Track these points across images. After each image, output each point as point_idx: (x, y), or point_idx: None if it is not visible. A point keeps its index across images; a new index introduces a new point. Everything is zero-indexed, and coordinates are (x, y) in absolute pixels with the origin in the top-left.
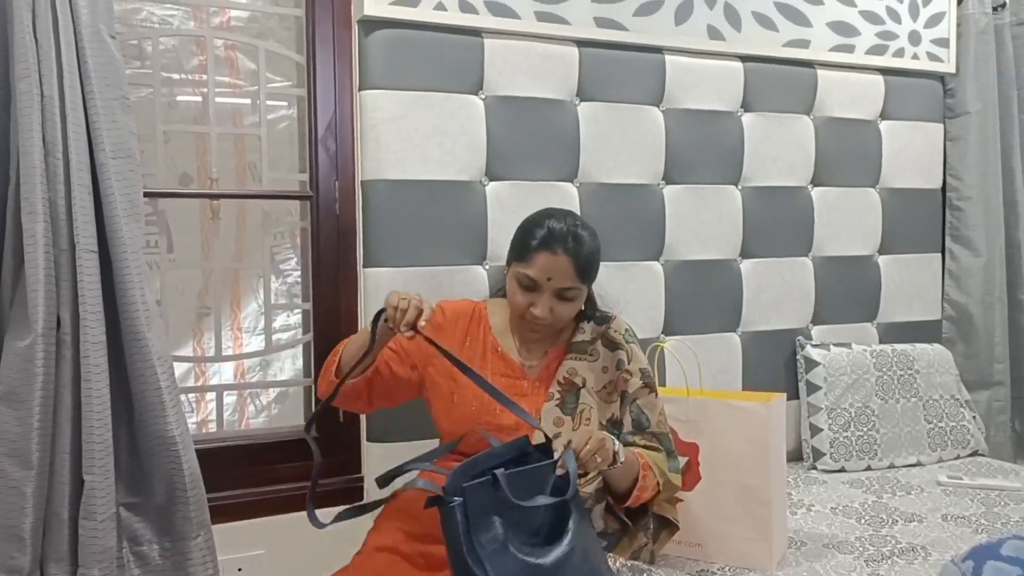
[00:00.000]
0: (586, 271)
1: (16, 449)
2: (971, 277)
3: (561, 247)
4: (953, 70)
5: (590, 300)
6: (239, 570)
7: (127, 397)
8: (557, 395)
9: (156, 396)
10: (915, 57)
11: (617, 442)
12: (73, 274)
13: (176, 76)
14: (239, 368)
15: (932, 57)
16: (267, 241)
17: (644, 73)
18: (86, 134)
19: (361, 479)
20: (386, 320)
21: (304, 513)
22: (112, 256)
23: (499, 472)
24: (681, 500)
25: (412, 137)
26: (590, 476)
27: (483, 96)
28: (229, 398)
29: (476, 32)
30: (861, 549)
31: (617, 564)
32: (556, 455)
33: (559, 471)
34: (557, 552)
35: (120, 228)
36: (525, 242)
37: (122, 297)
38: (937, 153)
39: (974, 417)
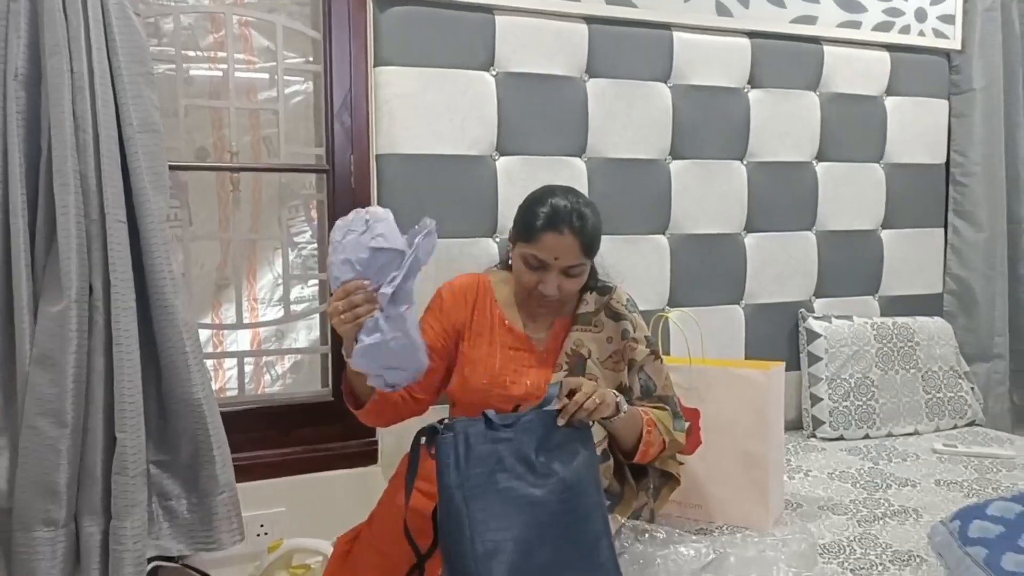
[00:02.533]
0: (591, 247)
1: (51, 409)
2: (973, 252)
3: (567, 226)
4: (959, 47)
5: (592, 271)
6: (261, 526)
7: (155, 361)
8: (565, 366)
9: (182, 360)
10: (921, 34)
11: (620, 395)
12: (104, 243)
13: (192, 53)
14: (255, 339)
15: (938, 34)
16: (284, 214)
17: (652, 49)
18: (114, 109)
19: (376, 442)
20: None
21: (322, 473)
22: (139, 227)
23: (490, 412)
24: (683, 463)
25: (425, 112)
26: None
27: (494, 72)
28: (245, 367)
29: (488, 9)
30: (855, 511)
31: (616, 524)
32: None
33: (560, 421)
34: (544, 501)
35: (147, 200)
36: (530, 223)
37: (149, 266)
38: (942, 129)
39: (972, 388)
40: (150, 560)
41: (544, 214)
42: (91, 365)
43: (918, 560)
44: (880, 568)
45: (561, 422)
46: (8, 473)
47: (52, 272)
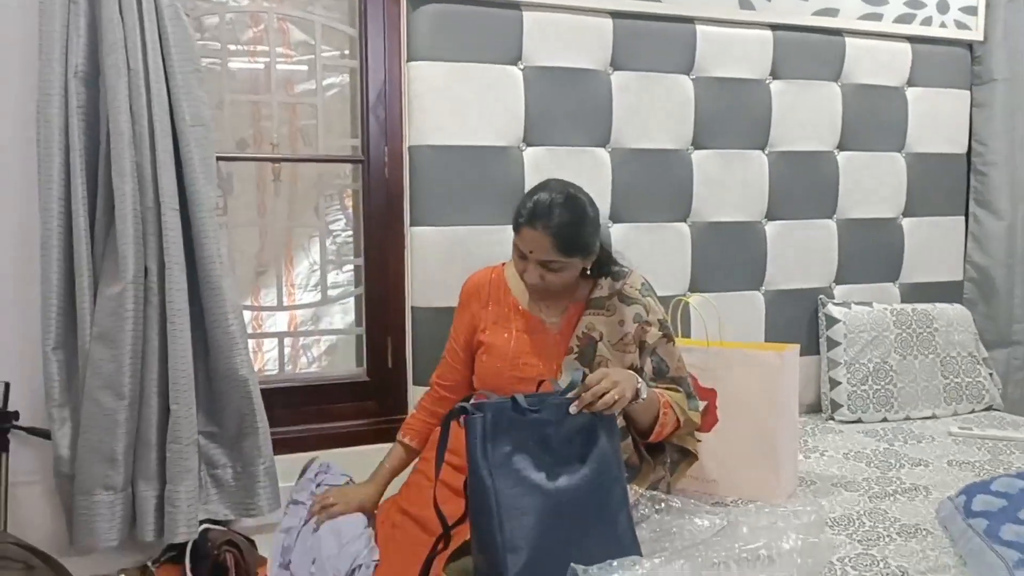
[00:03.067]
0: (568, 246)
1: (111, 382)
2: (993, 240)
3: (541, 223)
4: (981, 37)
5: (608, 257)
6: None
7: (204, 339)
8: (576, 348)
9: (229, 340)
10: (943, 25)
11: (640, 379)
12: (158, 229)
13: (232, 47)
14: (292, 323)
15: (960, 25)
16: (322, 203)
17: (675, 43)
18: (167, 104)
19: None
20: None
21: (357, 447)
22: (191, 214)
23: (518, 395)
24: (700, 440)
25: (455, 105)
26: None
27: (522, 66)
28: (284, 350)
29: (515, 5)
30: (867, 488)
31: (635, 495)
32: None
33: (573, 409)
34: (566, 480)
35: (198, 189)
36: (516, 213)
37: (200, 250)
38: (963, 119)
39: (991, 374)
40: (200, 523)
41: (527, 208)
42: (147, 342)
43: (924, 533)
44: (887, 539)
45: (574, 411)
46: (71, 442)
47: (111, 256)
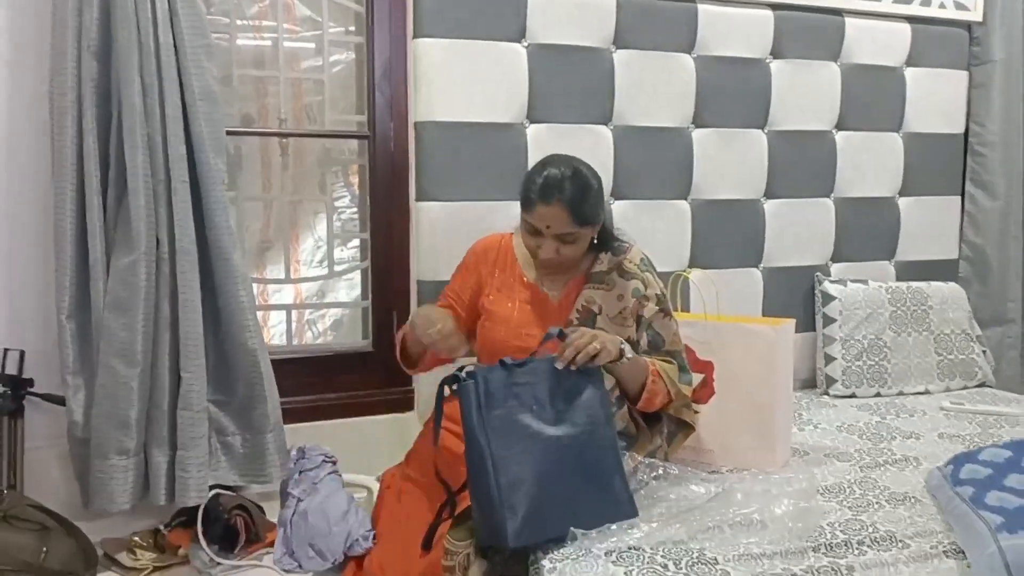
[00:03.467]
0: (583, 218)
1: (124, 350)
2: (988, 219)
3: (556, 197)
4: (980, 18)
5: (608, 233)
6: None
7: (214, 310)
8: (576, 321)
9: (239, 309)
10: (942, 6)
11: (626, 344)
12: (168, 201)
13: (238, 22)
14: (298, 297)
15: (959, 6)
16: (328, 178)
17: (678, 21)
18: (177, 78)
19: (412, 391)
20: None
21: (362, 417)
22: (200, 187)
23: (506, 358)
24: (698, 412)
25: (460, 82)
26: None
27: (526, 44)
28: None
29: None
30: (858, 458)
31: (633, 462)
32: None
33: (558, 364)
34: (559, 439)
35: (208, 162)
36: (526, 192)
37: (210, 222)
38: (961, 100)
39: (984, 351)
40: (211, 488)
41: (537, 185)
42: (158, 311)
43: (912, 500)
44: (876, 506)
45: (559, 365)
46: (85, 408)
47: (123, 227)
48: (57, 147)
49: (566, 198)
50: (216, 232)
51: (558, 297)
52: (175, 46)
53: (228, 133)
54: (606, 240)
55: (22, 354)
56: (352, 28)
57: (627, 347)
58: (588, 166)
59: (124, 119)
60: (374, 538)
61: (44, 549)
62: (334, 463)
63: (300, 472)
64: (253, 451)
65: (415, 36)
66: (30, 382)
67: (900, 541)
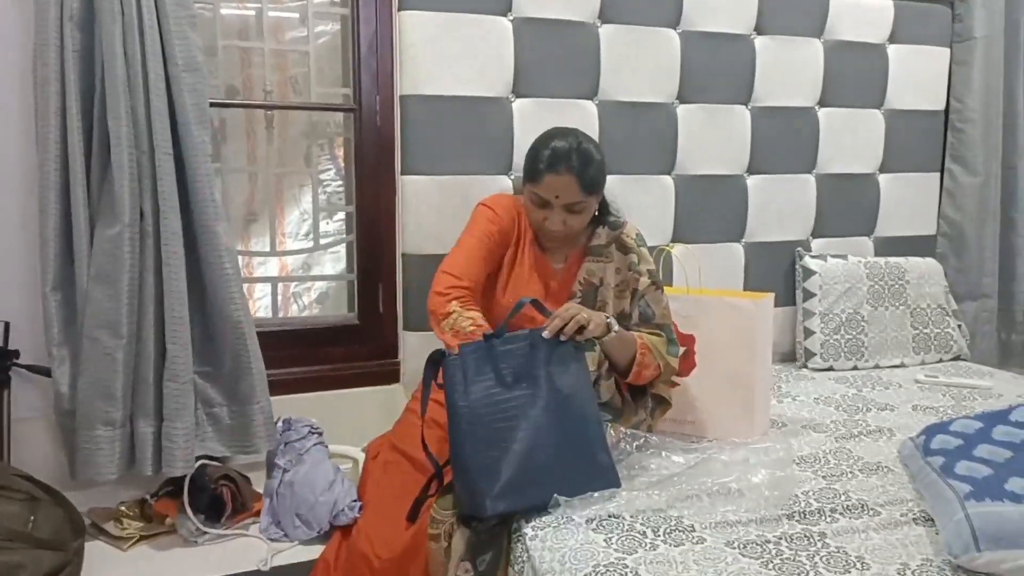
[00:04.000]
0: (591, 185)
1: (109, 322)
2: (967, 195)
3: (565, 167)
4: None
5: (604, 207)
6: None
7: (199, 282)
8: (579, 293)
9: (224, 282)
10: None
11: (612, 319)
12: (153, 173)
13: None
14: (283, 270)
15: None
16: (314, 151)
17: None
18: (160, 49)
19: (398, 363)
20: None
21: (349, 390)
22: (184, 159)
23: (489, 332)
24: (678, 384)
25: (446, 56)
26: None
27: (511, 18)
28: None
29: None
30: (834, 429)
31: (617, 435)
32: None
33: (545, 334)
34: (542, 408)
35: (192, 133)
36: (534, 164)
37: (194, 195)
38: (942, 76)
39: (959, 326)
40: (197, 459)
41: (545, 156)
42: (143, 283)
43: (885, 470)
44: (849, 476)
45: (547, 335)
46: (70, 379)
47: (107, 199)
48: (41, 118)
49: (575, 167)
50: (201, 204)
51: (561, 270)
52: (158, 16)
53: (213, 105)
54: (604, 213)
55: (7, 325)
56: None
57: (614, 322)
58: (590, 137)
59: (108, 90)
60: (360, 508)
61: (32, 518)
62: (320, 434)
63: (286, 443)
64: (239, 422)
65: (400, 8)
66: (16, 353)
67: (871, 509)
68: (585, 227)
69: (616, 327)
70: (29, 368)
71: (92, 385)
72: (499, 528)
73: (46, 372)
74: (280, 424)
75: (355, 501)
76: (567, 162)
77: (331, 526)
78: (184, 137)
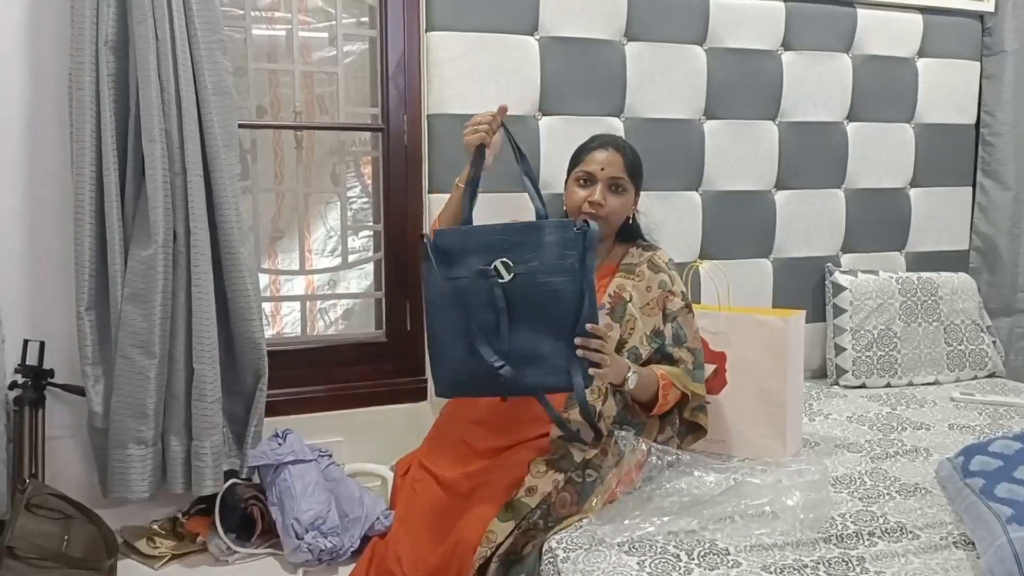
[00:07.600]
0: (633, 168)
1: (142, 341)
2: (999, 210)
3: (612, 145)
4: (992, 8)
5: (637, 229)
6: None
7: (224, 302)
8: (608, 306)
9: (246, 303)
10: None
11: (632, 369)
12: (185, 195)
13: (252, 13)
14: (310, 287)
15: None
16: (342, 169)
17: (689, 13)
18: (192, 72)
19: (425, 381)
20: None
21: (376, 407)
22: (212, 180)
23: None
24: (708, 403)
25: (473, 75)
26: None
27: (538, 37)
28: (300, 314)
29: None
30: (868, 449)
31: (646, 446)
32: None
33: (577, 340)
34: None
35: (219, 156)
36: (580, 151)
37: (220, 216)
38: (972, 90)
39: (994, 342)
40: (227, 476)
41: (592, 141)
42: (175, 303)
43: (923, 491)
44: (887, 497)
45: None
46: (104, 398)
47: (141, 220)
48: (76, 141)
49: (620, 147)
50: (225, 226)
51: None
52: (189, 41)
53: (242, 126)
54: (638, 231)
55: (42, 345)
56: (365, 20)
57: (633, 378)
58: None
59: (142, 113)
60: (392, 517)
61: (66, 537)
62: (329, 456)
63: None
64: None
65: (428, 29)
66: (51, 373)
67: (910, 532)
68: (613, 245)
69: (632, 384)
70: (64, 387)
71: (125, 404)
72: (531, 551)
73: (80, 391)
74: (271, 441)
75: (387, 511)
76: (613, 143)
77: (365, 537)
78: (213, 159)
